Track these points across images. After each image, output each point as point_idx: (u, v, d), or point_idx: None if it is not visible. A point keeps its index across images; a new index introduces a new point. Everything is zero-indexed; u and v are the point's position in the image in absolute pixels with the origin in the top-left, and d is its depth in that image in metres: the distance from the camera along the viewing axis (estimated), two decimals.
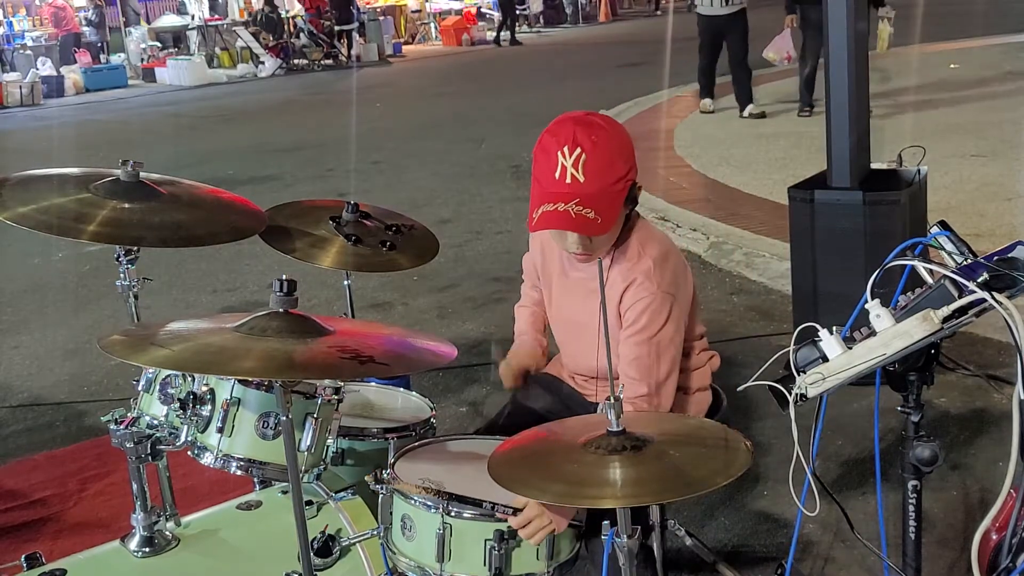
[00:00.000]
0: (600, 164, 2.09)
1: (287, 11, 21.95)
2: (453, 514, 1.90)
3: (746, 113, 9.93)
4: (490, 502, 1.89)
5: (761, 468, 3.31)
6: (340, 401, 2.13)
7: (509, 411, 2.51)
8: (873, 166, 4.27)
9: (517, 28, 23.15)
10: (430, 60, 21.70)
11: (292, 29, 21.57)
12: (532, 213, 2.12)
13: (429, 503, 1.92)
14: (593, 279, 2.25)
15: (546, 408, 2.43)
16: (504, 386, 2.46)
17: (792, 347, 1.76)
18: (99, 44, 21.88)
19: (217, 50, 21.89)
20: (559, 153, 2.10)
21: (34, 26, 22.14)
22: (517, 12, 23.49)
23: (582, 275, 2.32)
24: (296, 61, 20.92)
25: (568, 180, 2.08)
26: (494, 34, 23.42)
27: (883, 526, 2.07)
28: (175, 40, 22.62)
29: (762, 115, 9.88)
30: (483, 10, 26.76)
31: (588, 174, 2.08)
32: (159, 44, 22.29)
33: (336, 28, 20.92)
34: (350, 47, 21.19)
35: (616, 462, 1.64)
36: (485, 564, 1.89)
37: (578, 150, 2.08)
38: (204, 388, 2.08)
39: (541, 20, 26.99)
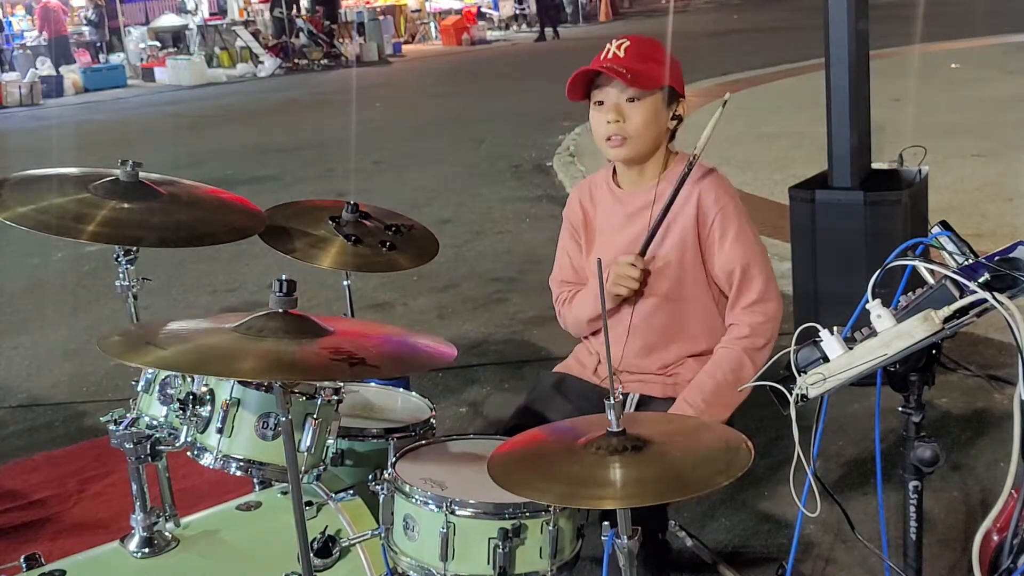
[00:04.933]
0: (642, 51, 2.30)
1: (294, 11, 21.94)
2: (457, 513, 1.90)
3: None
4: None
5: (762, 469, 3.30)
6: (340, 402, 2.13)
7: (517, 419, 2.48)
8: (874, 166, 4.27)
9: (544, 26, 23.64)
10: (430, 60, 21.71)
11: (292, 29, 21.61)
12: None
13: (431, 501, 1.91)
14: (645, 210, 2.36)
15: (561, 415, 2.39)
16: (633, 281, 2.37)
17: (793, 347, 1.76)
18: (98, 44, 21.87)
19: (216, 50, 21.89)
20: (609, 43, 2.33)
21: (33, 26, 22.15)
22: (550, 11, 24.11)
23: (634, 213, 2.40)
24: (296, 61, 20.93)
25: (609, 56, 2.30)
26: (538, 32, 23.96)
27: (884, 527, 2.06)
28: (174, 40, 22.61)
29: None
30: (483, 9, 26.77)
31: (628, 53, 2.29)
32: (158, 44, 22.29)
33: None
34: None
35: (616, 462, 1.63)
36: (489, 563, 1.89)
37: (626, 41, 2.31)
38: (204, 388, 2.07)
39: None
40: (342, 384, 2.18)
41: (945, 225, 1.82)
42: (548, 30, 23.59)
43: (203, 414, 2.06)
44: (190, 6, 23.35)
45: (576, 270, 2.56)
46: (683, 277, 2.37)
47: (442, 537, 1.89)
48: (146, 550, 2.02)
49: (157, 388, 2.18)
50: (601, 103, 2.32)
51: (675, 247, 2.35)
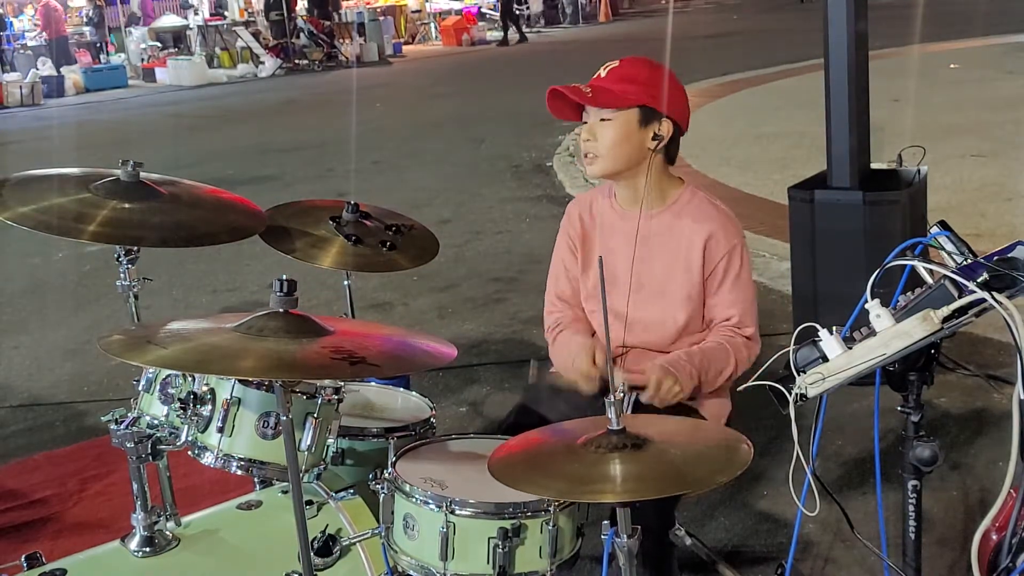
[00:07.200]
0: (622, 72, 2.35)
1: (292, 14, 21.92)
2: (457, 512, 1.90)
3: None
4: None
5: (761, 468, 3.30)
6: (340, 401, 2.13)
7: (515, 417, 2.49)
8: (873, 166, 4.27)
9: (519, 27, 23.28)
10: (430, 60, 21.70)
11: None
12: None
13: (431, 501, 1.92)
14: (655, 235, 2.40)
15: (557, 416, 2.40)
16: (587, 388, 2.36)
17: (792, 347, 1.76)
18: (98, 44, 21.86)
19: (217, 50, 21.88)
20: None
21: (35, 26, 22.14)
22: (516, 11, 23.69)
23: (630, 234, 2.42)
24: (296, 61, 20.93)
25: (595, 77, 2.38)
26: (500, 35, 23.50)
27: (883, 526, 2.06)
28: (175, 40, 22.61)
29: None
30: (483, 10, 26.75)
31: (608, 75, 2.36)
32: (159, 44, 22.29)
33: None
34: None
35: (616, 459, 1.64)
36: (488, 562, 1.89)
37: (616, 62, 2.38)
38: (204, 388, 2.08)
39: (541, 20, 26.95)
40: (342, 383, 2.18)
41: (944, 225, 1.83)
42: (511, 32, 22.91)
43: (204, 413, 2.07)
44: (193, 1, 23.31)
45: (571, 282, 2.56)
46: (690, 311, 2.41)
47: (442, 536, 1.90)
48: (147, 549, 2.02)
49: (158, 387, 2.18)
50: (585, 123, 2.38)
51: (682, 285, 2.39)
